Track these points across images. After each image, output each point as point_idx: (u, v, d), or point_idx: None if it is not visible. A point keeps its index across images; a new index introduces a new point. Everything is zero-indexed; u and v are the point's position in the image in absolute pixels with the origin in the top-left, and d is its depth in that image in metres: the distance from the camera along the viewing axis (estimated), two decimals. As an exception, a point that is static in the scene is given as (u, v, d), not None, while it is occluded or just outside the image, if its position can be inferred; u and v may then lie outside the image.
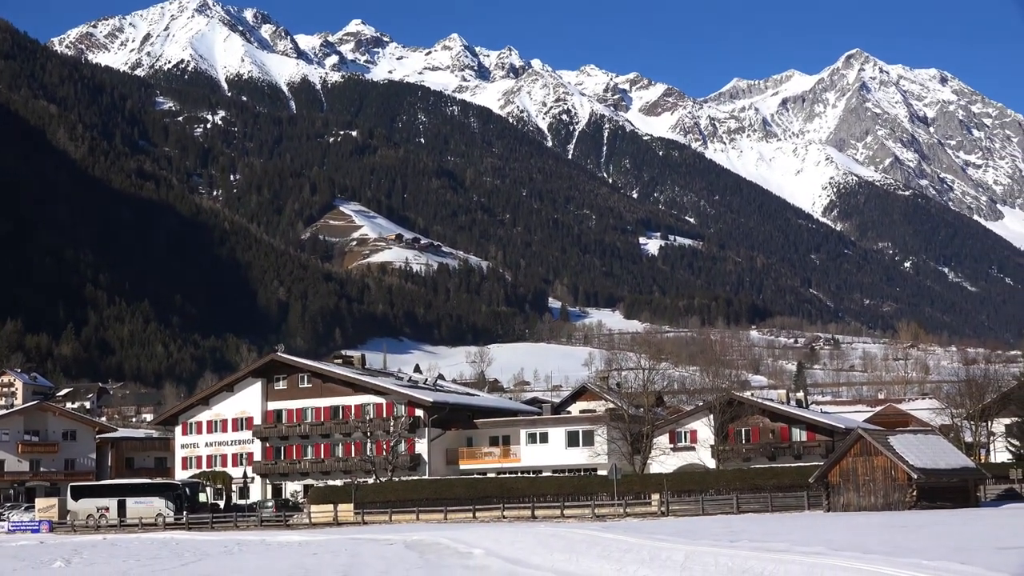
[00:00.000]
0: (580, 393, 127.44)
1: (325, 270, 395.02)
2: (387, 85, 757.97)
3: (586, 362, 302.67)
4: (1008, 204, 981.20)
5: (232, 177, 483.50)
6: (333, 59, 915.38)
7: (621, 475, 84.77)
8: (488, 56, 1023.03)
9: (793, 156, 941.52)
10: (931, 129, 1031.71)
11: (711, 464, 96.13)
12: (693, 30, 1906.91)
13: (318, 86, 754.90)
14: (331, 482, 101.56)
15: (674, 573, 33.56)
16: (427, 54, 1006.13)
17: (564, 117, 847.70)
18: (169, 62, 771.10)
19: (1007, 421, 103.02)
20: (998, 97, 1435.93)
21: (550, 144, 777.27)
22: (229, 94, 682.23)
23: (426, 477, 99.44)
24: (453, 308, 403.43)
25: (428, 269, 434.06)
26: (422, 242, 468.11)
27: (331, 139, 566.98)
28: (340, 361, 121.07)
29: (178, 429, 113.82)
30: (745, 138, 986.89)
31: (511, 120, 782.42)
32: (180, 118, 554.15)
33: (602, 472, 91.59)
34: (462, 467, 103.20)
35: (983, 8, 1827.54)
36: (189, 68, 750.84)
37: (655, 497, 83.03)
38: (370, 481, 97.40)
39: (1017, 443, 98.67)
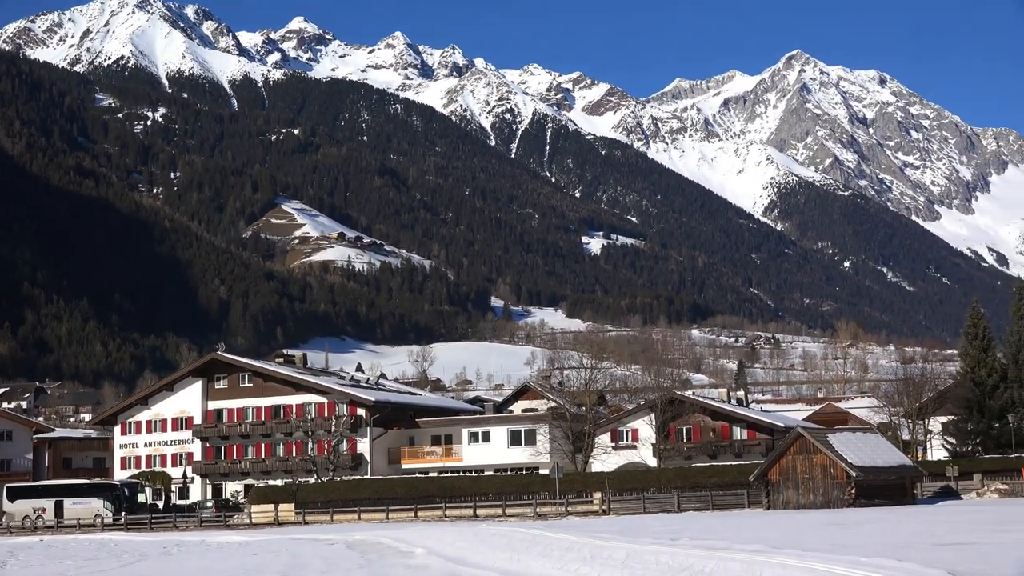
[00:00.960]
0: (522, 392, 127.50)
1: (267, 269, 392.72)
2: (330, 83, 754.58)
3: (528, 361, 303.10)
4: (945, 205, 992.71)
5: (172, 175, 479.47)
6: (275, 56, 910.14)
7: (563, 474, 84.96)
8: (432, 54, 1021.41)
9: (735, 156, 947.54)
10: (870, 130, 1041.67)
11: (652, 463, 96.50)
12: (636, 30, 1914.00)
13: (260, 84, 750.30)
14: (272, 482, 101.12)
15: (615, 571, 33.63)
16: (370, 52, 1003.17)
17: (507, 116, 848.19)
18: (109, 58, 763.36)
19: (944, 419, 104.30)
20: (936, 99, 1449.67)
21: (493, 143, 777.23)
22: (170, 91, 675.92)
23: (368, 477, 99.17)
24: (395, 307, 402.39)
25: (371, 268, 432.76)
26: (364, 241, 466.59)
27: (273, 137, 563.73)
28: (281, 360, 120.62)
29: (117, 429, 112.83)
30: (687, 138, 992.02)
31: (454, 119, 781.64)
32: (120, 115, 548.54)
33: (544, 471, 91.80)
34: (404, 466, 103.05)
35: (922, 10, 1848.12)
36: (129, 64, 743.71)
37: (597, 496, 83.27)
38: (311, 481, 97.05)
39: (953, 441, 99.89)
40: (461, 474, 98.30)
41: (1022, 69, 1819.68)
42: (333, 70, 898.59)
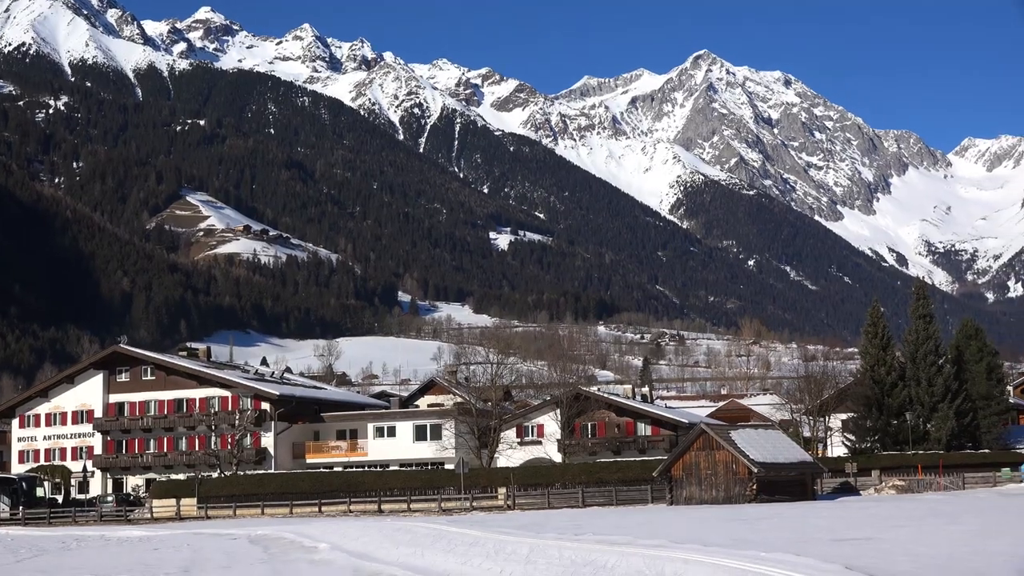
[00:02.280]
0: (428, 387, 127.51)
1: (171, 261, 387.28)
2: (237, 74, 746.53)
3: (435, 356, 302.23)
4: (847, 205, 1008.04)
5: (75, 164, 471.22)
6: (181, 46, 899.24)
7: (468, 469, 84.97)
8: (340, 47, 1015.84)
9: (642, 154, 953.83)
10: (775, 130, 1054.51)
11: (557, 458, 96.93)
12: (545, 27, 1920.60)
13: (165, 73, 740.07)
14: (174, 476, 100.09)
15: (518, 566, 33.72)
16: (278, 44, 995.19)
17: (416, 111, 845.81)
18: (9, 44, 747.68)
19: (843, 416, 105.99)
20: (839, 101, 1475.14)
21: (401, 137, 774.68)
22: (72, 79, 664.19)
23: (272, 471, 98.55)
24: (301, 301, 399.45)
25: (276, 261, 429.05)
26: (271, 234, 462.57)
27: (178, 128, 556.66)
28: (185, 353, 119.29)
29: (15, 422, 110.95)
30: (595, 135, 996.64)
31: (362, 112, 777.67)
32: (20, 103, 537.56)
33: (449, 466, 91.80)
34: (309, 461, 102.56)
35: (826, 14, 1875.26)
36: (31, 51, 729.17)
37: (502, 491, 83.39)
38: (214, 475, 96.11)
39: (853, 438, 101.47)
40: (366, 469, 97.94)
41: (923, 73, 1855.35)
42: (240, 61, 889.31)
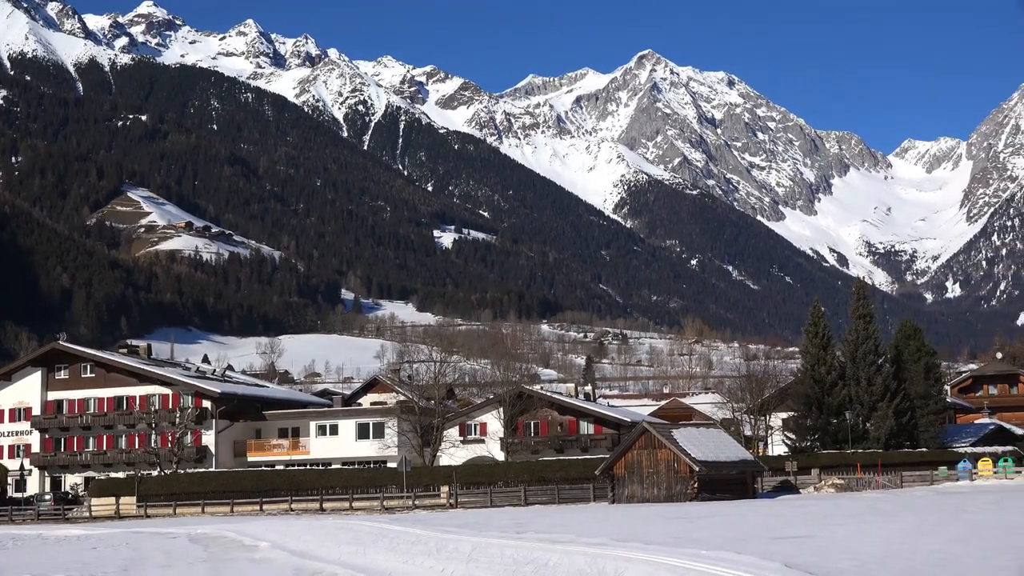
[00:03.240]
0: (371, 385, 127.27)
1: (111, 257, 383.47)
2: (179, 69, 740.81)
3: (378, 354, 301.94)
4: (789, 206, 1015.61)
5: (14, 159, 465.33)
6: (123, 41, 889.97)
7: (411, 467, 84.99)
8: (284, 44, 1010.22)
9: (586, 153, 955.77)
10: (718, 130, 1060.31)
11: (500, 456, 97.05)
12: (490, 25, 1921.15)
13: (107, 68, 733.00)
14: (114, 475, 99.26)
15: (461, 565, 33.72)
16: (221, 39, 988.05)
17: (360, 108, 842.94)
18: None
19: (784, 415, 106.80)
20: (782, 102, 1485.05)
21: (346, 134, 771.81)
22: (12, 73, 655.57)
23: (213, 469, 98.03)
24: (244, 298, 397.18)
25: (219, 258, 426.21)
26: (213, 230, 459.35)
27: (120, 123, 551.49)
28: (125, 351, 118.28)
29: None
30: (540, 134, 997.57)
31: (307, 109, 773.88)
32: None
33: (392, 464, 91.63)
34: (250, 459, 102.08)
35: (769, 15, 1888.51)
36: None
37: (444, 489, 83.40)
38: (154, 474, 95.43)
39: (793, 437, 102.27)
40: (308, 467, 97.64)
41: (863, 75, 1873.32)
42: (183, 56, 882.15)
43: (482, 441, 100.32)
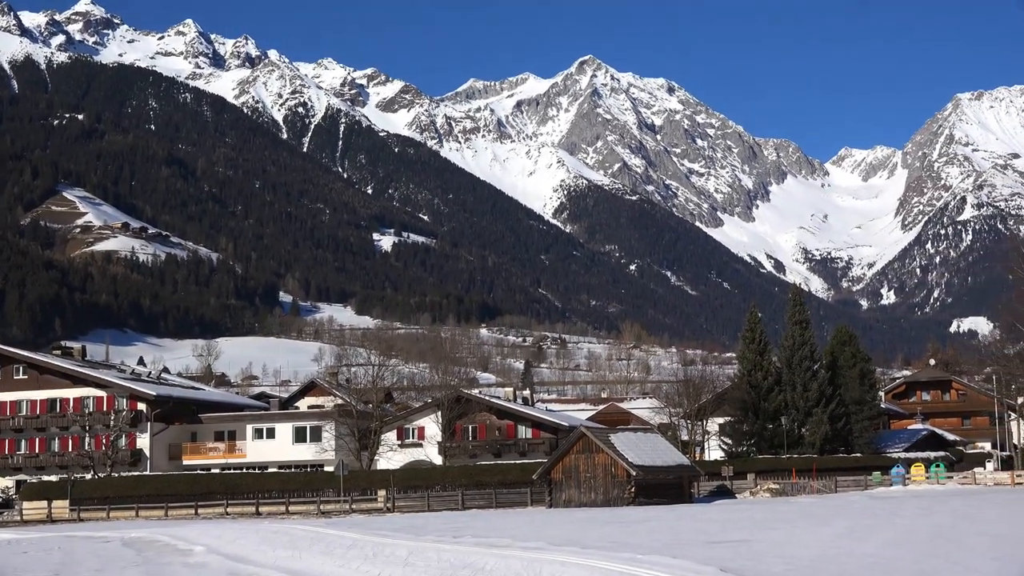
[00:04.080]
0: (309, 388, 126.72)
1: (46, 257, 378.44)
2: (117, 68, 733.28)
3: (316, 357, 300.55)
4: (728, 212, 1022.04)
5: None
6: (60, 39, 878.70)
7: (348, 471, 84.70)
8: (224, 44, 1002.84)
9: (526, 158, 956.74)
10: (658, 137, 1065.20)
11: (438, 460, 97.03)
12: (431, 29, 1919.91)
13: (43, 66, 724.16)
14: (46, 478, 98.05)
15: (397, 569, 33.65)
16: (160, 39, 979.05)
17: (300, 110, 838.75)
18: None
19: (721, 420, 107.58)
20: (721, 108, 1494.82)
21: (285, 136, 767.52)
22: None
23: (148, 473, 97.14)
24: (181, 300, 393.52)
25: (155, 259, 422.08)
26: (150, 231, 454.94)
27: (55, 122, 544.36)
28: (59, 352, 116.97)
29: None
30: (480, 138, 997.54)
31: (246, 110, 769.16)
32: None
33: (329, 468, 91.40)
34: (186, 463, 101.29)
35: (709, 22, 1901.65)
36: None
37: (381, 493, 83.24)
38: (88, 477, 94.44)
39: (729, 441, 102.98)
40: (245, 471, 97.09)
41: (801, 83, 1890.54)
42: (121, 55, 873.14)
43: (420, 445, 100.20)
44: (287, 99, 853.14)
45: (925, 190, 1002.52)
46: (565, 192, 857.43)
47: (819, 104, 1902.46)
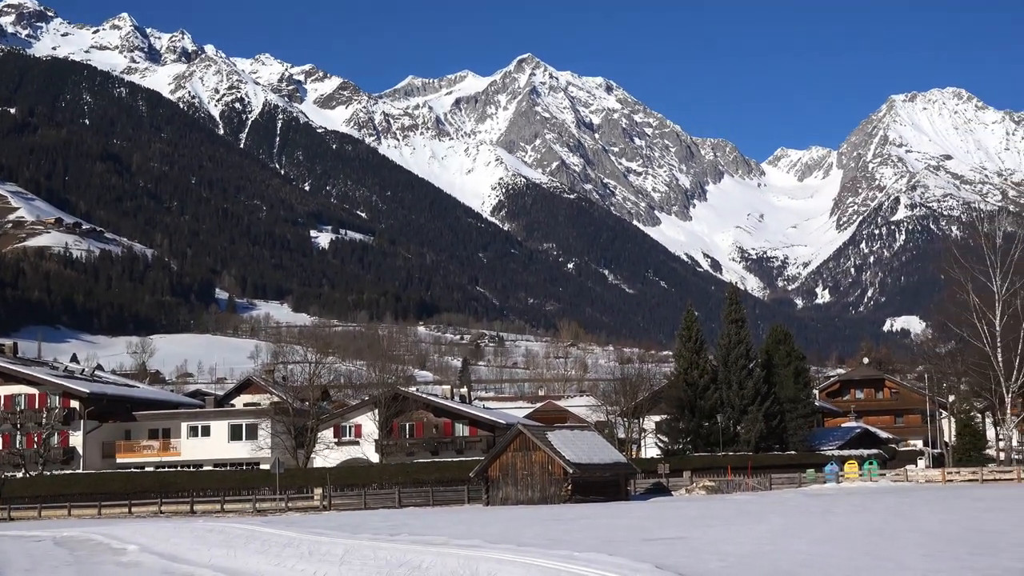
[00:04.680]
0: (245, 386, 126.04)
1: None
2: (51, 62, 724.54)
3: (252, 355, 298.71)
4: (665, 211, 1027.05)
5: None
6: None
7: (284, 469, 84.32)
8: (160, 39, 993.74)
9: (465, 156, 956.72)
10: (596, 135, 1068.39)
11: (375, 458, 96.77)
12: (369, 25, 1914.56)
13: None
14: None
15: (333, 567, 33.50)
16: (95, 32, 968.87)
17: (237, 105, 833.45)
18: None
19: (657, 418, 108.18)
20: (659, 108, 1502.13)
21: (222, 132, 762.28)
22: None
23: (80, 471, 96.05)
24: (115, 296, 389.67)
25: (89, 255, 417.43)
26: (84, 227, 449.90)
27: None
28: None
29: None
30: (419, 135, 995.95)
31: (182, 105, 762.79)
32: None
33: (265, 466, 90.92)
34: (119, 461, 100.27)
35: (647, 23, 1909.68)
36: None
37: (318, 491, 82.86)
38: (19, 475, 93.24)
39: (666, 439, 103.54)
40: (179, 469, 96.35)
41: (738, 84, 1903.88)
42: (55, 49, 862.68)
43: (357, 443, 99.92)
44: (224, 95, 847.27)
45: (860, 190, 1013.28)
46: (503, 190, 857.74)
47: (756, 104, 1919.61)
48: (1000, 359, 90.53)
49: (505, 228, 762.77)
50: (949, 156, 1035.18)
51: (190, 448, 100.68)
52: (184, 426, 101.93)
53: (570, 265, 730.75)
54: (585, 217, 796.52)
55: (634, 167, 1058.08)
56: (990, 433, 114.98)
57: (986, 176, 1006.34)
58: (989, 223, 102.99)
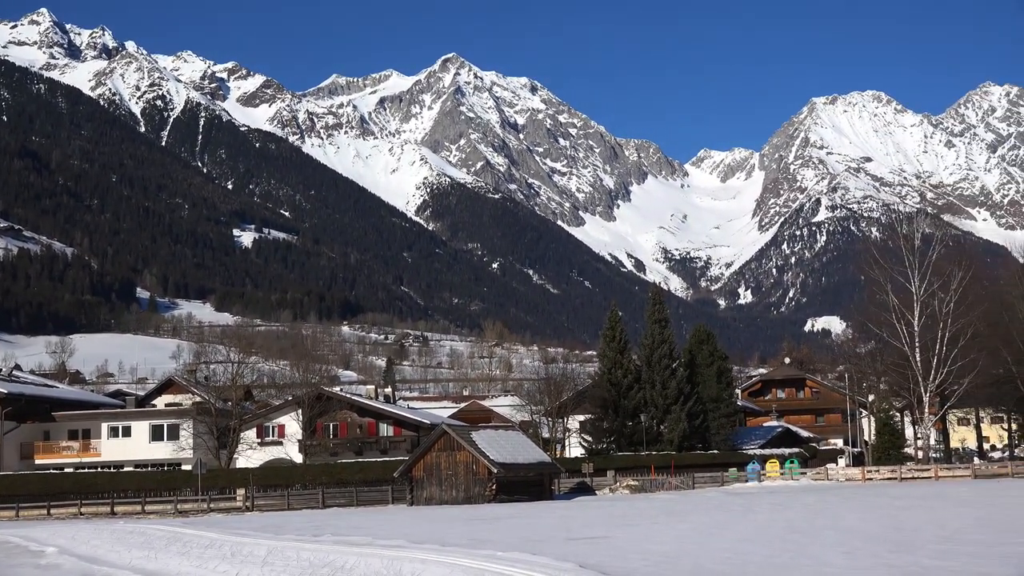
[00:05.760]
0: (167, 386, 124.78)
1: None
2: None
3: (174, 355, 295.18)
4: (589, 211, 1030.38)
5: None
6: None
7: (207, 470, 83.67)
8: (80, 35, 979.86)
9: (389, 155, 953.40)
10: (521, 136, 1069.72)
11: (298, 459, 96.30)
12: (293, 23, 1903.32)
13: None
14: None
15: (256, 569, 33.30)
16: (12, 27, 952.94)
17: (159, 103, 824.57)
18: None
19: (582, 418, 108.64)
20: (583, 109, 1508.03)
21: (143, 130, 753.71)
22: None
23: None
24: (34, 295, 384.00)
25: (7, 254, 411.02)
26: (1, 225, 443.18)
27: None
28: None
29: None
30: (343, 134, 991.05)
31: (102, 102, 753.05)
32: None
33: (187, 467, 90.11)
34: (38, 462, 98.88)
35: (572, 23, 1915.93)
36: None
37: (241, 492, 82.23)
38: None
39: (590, 439, 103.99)
40: (100, 470, 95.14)
41: (662, 85, 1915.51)
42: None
43: (280, 443, 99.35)
44: (145, 92, 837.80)
45: (781, 192, 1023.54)
46: (428, 190, 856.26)
47: (679, 106, 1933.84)
48: (918, 359, 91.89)
49: (430, 228, 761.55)
50: (869, 158, 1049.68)
51: (111, 449, 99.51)
52: (105, 427, 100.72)
53: (495, 265, 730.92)
54: (510, 217, 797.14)
55: (559, 167, 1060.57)
56: (909, 432, 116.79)
57: (905, 178, 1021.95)
58: (908, 225, 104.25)
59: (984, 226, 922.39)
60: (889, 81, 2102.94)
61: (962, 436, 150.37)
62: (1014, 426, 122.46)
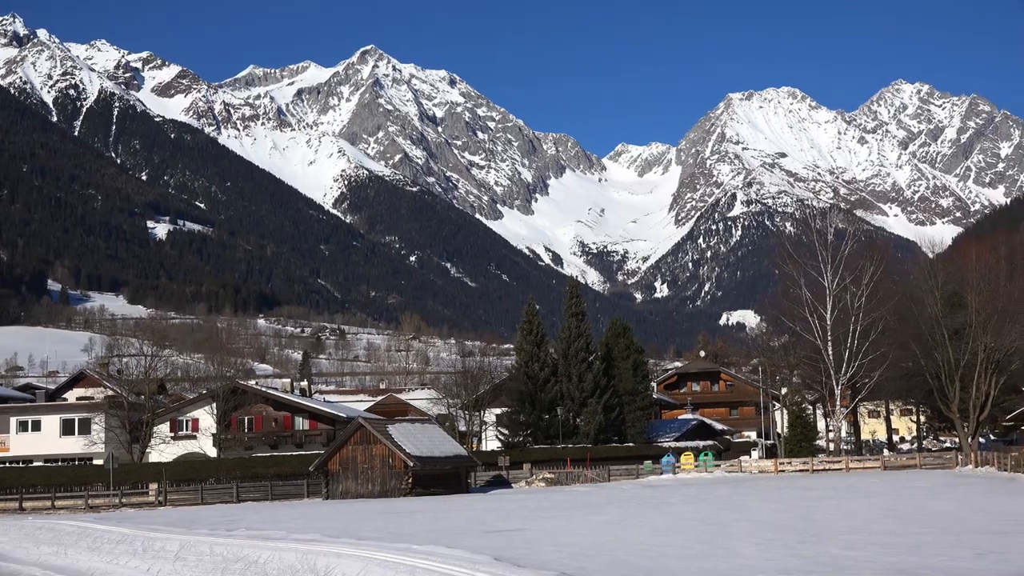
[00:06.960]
0: (78, 379, 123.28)
1: None
2: None
3: (86, 348, 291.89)
4: (507, 205, 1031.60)
5: None
6: None
7: (118, 464, 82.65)
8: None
9: (307, 147, 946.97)
10: (439, 128, 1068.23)
11: (213, 453, 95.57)
12: (209, 12, 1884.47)
13: None
14: None
15: (168, 564, 32.96)
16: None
17: (71, 92, 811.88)
18: None
19: (498, 411, 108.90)
20: (501, 102, 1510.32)
21: (55, 119, 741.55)
22: None
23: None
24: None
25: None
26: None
27: None
28: None
29: None
30: (260, 126, 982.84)
31: (13, 91, 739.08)
32: None
33: (99, 461, 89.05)
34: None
35: (491, 15, 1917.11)
36: None
37: (153, 487, 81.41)
38: None
39: (506, 432, 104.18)
40: (8, 465, 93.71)
41: (580, 79, 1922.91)
42: None
43: (194, 437, 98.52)
44: (57, 81, 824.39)
45: (698, 186, 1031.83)
46: (346, 182, 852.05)
47: (597, 100, 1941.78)
48: (831, 352, 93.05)
49: (347, 220, 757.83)
50: (784, 154, 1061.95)
51: (19, 443, 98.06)
52: (13, 421, 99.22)
53: (412, 258, 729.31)
54: (428, 210, 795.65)
55: (477, 161, 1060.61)
56: (821, 424, 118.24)
57: (819, 174, 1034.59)
58: (821, 220, 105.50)
59: (895, 221, 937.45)
60: (804, 78, 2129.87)
61: (872, 428, 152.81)
62: (922, 418, 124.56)
